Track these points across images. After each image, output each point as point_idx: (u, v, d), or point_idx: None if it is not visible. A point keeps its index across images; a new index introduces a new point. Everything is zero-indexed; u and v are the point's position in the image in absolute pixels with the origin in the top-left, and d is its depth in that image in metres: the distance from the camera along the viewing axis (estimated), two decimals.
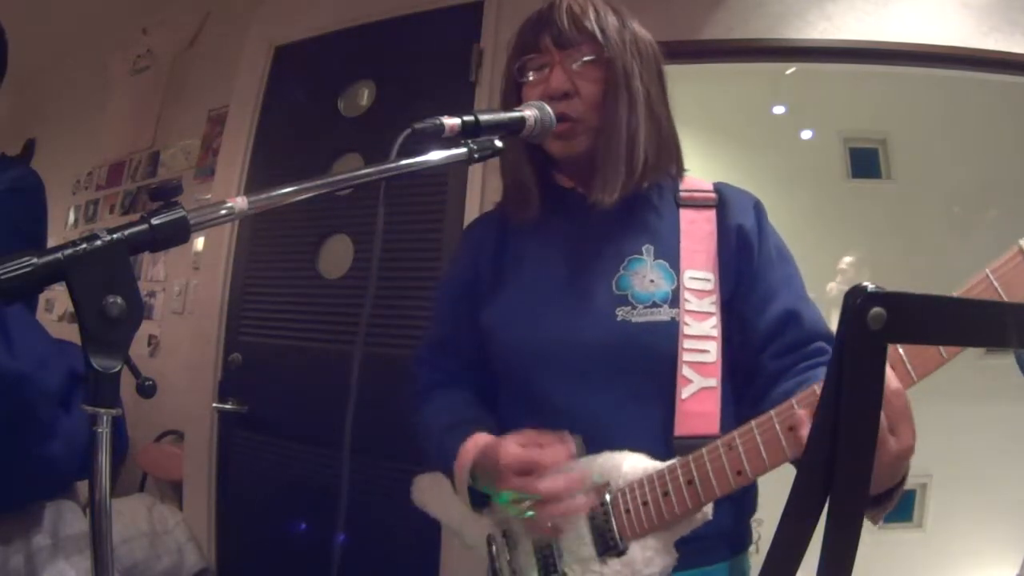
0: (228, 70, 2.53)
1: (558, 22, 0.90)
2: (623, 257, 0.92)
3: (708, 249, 0.92)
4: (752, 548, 0.97)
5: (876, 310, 0.37)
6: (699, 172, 1.03)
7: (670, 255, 0.92)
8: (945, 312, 0.40)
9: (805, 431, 0.68)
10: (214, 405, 2.21)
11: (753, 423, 0.74)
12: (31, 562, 0.95)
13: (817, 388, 0.70)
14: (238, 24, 2.58)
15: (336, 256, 2.15)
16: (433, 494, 1.00)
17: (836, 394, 0.38)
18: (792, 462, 0.73)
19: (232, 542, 2.24)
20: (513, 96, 0.95)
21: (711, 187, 0.98)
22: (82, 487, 1.02)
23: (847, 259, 2.70)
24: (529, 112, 0.83)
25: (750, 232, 0.93)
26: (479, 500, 0.89)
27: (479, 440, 0.87)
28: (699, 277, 0.90)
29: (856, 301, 0.37)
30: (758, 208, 0.96)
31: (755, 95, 2.77)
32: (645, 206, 0.96)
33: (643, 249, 0.92)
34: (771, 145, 2.87)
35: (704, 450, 0.78)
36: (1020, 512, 2.40)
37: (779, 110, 2.93)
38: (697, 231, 0.93)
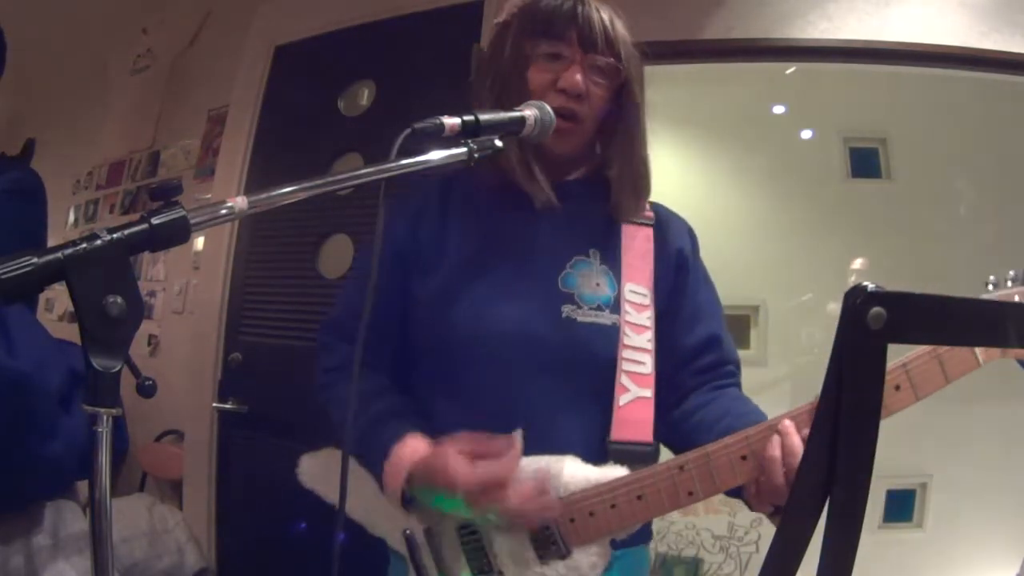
0: (228, 70, 2.53)
1: (590, 24, 0.89)
2: (570, 255, 0.93)
3: (645, 266, 0.96)
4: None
5: (876, 310, 0.37)
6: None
7: (613, 264, 0.94)
8: (945, 312, 0.40)
9: (775, 467, 0.75)
10: (214, 405, 2.21)
11: (709, 448, 0.79)
12: (31, 562, 0.95)
13: (775, 426, 0.76)
14: (238, 24, 2.57)
15: (336, 256, 2.15)
16: (328, 479, 0.95)
17: (836, 394, 0.38)
18: (731, 493, 0.81)
19: (232, 542, 2.24)
20: (518, 68, 0.92)
21: (648, 207, 1.01)
22: (82, 487, 1.02)
23: (859, 261, 2.70)
24: (529, 112, 0.83)
25: (688, 256, 0.98)
26: (409, 502, 0.86)
27: (416, 447, 0.83)
28: (638, 291, 0.93)
29: (856, 301, 0.37)
30: (692, 236, 1.03)
31: (755, 95, 2.77)
32: (593, 212, 0.97)
33: (589, 252, 0.94)
34: (771, 145, 2.86)
35: (655, 469, 0.81)
36: (1020, 512, 2.40)
37: (779, 110, 2.92)
38: (637, 247, 0.97)
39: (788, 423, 0.75)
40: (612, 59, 0.91)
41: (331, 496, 0.93)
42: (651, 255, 0.96)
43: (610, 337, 0.90)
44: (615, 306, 0.91)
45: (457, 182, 1.00)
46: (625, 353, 0.89)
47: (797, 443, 0.74)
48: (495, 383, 0.89)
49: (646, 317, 0.92)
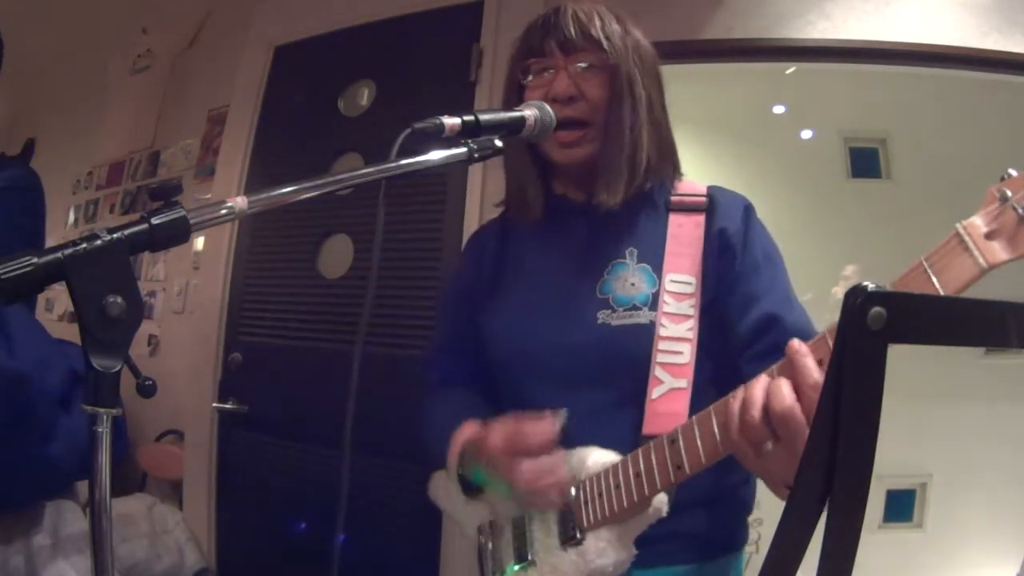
0: (228, 70, 2.53)
1: (564, 28, 0.91)
2: (608, 261, 0.94)
3: (694, 253, 0.93)
4: (752, 548, 0.98)
5: (876, 310, 0.37)
6: (699, 172, 1.04)
7: (653, 259, 0.93)
8: (945, 311, 0.40)
9: (731, 420, 0.67)
10: (214, 405, 2.21)
11: (695, 418, 0.74)
12: (31, 562, 0.95)
13: (752, 382, 0.67)
14: (238, 24, 2.57)
15: (336, 256, 2.15)
16: (442, 490, 1.02)
17: (836, 394, 0.38)
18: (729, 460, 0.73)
19: (232, 542, 2.24)
20: (515, 97, 0.96)
21: (704, 191, 0.99)
22: (82, 487, 1.02)
23: (850, 267, 2.70)
24: (529, 112, 0.84)
25: (733, 235, 0.93)
26: (470, 488, 0.91)
27: (467, 429, 0.89)
28: (680, 280, 0.91)
29: (856, 301, 0.37)
30: (747, 211, 0.96)
31: (755, 95, 2.77)
32: (635, 210, 0.97)
33: (626, 253, 0.94)
34: (771, 145, 2.87)
35: (652, 443, 0.79)
36: (1020, 512, 2.40)
37: (779, 110, 2.93)
38: (684, 235, 0.94)
39: (763, 376, 0.66)
40: (594, 51, 0.91)
41: (448, 511, 1.03)
42: (700, 241, 0.93)
43: (645, 335, 0.89)
44: (653, 302, 0.90)
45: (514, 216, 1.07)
46: (661, 345, 0.88)
47: (755, 394, 0.64)
48: (541, 396, 0.91)
49: (688, 306, 0.90)
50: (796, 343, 0.63)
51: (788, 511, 0.40)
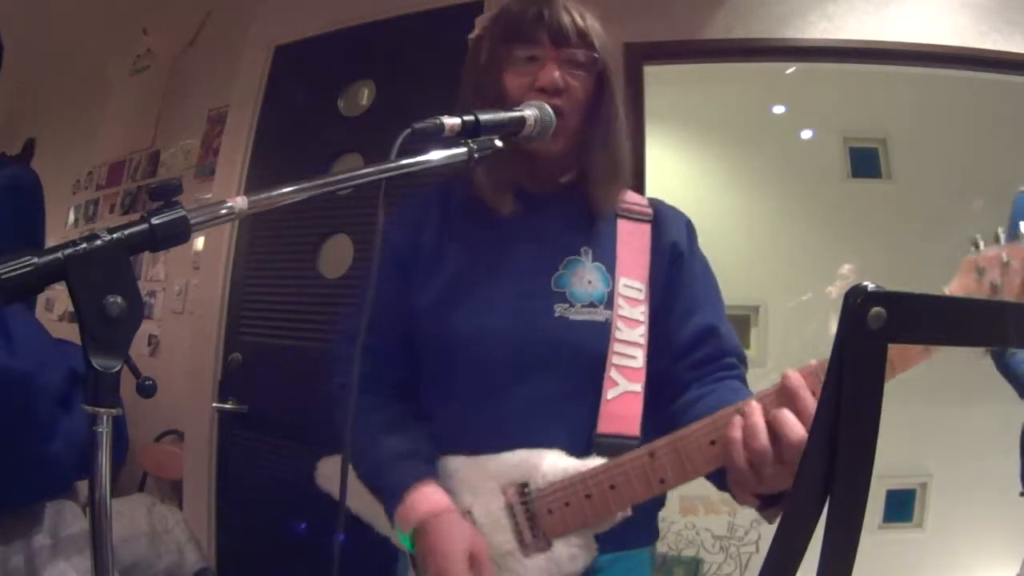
0: (228, 70, 2.53)
1: (559, 21, 0.91)
2: (562, 256, 0.94)
3: (642, 261, 0.96)
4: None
5: (876, 310, 0.37)
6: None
7: (607, 260, 0.94)
8: (945, 312, 0.40)
9: (735, 448, 0.72)
10: (214, 405, 2.21)
11: (676, 435, 0.78)
12: (31, 562, 0.95)
13: (741, 407, 0.74)
14: (238, 24, 2.57)
15: (336, 256, 2.15)
16: (335, 480, 0.99)
17: (836, 394, 0.38)
18: (708, 475, 0.79)
19: (232, 542, 2.24)
20: (493, 75, 0.93)
21: (647, 202, 1.02)
22: (82, 487, 1.02)
23: (847, 267, 2.70)
24: (529, 112, 0.84)
25: (683, 249, 0.97)
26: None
27: (429, 497, 0.85)
28: (632, 286, 0.93)
29: (856, 301, 0.37)
30: (690, 228, 1.02)
31: (755, 95, 2.77)
32: (587, 211, 0.97)
33: (581, 250, 0.95)
34: (771, 145, 2.87)
35: (627, 457, 0.80)
36: (1020, 512, 2.40)
37: (779, 110, 2.92)
38: (633, 242, 0.97)
39: (754, 403, 0.73)
40: (586, 50, 0.92)
41: (351, 504, 0.97)
42: (647, 250, 0.96)
43: (602, 333, 0.90)
44: (608, 302, 0.92)
45: (455, 189, 1.02)
46: (616, 347, 0.90)
47: (759, 423, 0.71)
48: (489, 385, 0.90)
49: (640, 312, 0.92)
50: (795, 376, 0.71)
51: (788, 511, 0.40)
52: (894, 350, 0.65)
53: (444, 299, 0.94)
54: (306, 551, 1.94)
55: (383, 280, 0.91)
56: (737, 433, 0.72)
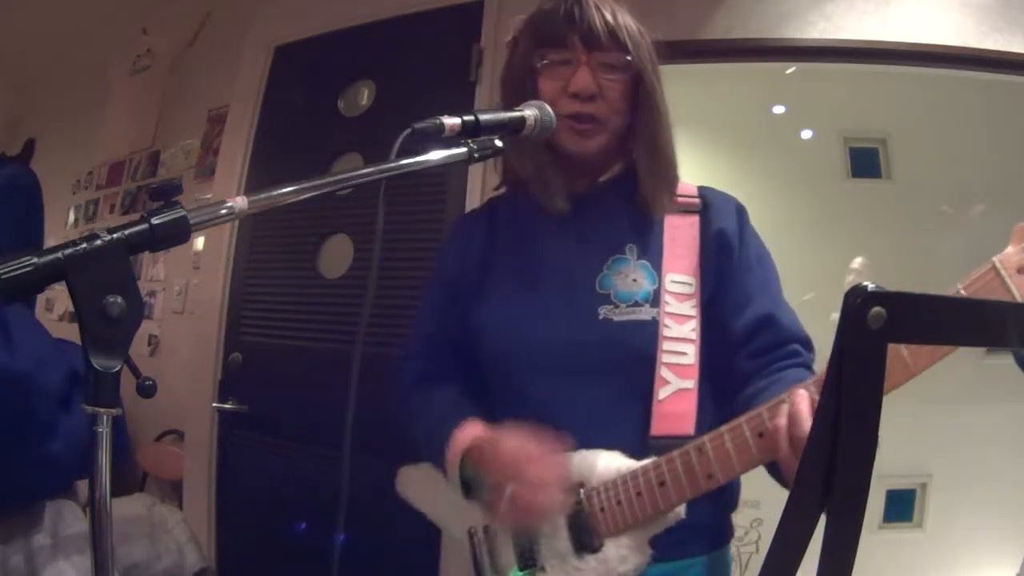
0: (228, 70, 2.53)
1: (590, 23, 0.89)
2: (607, 256, 0.93)
3: (691, 254, 0.94)
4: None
5: (876, 310, 0.37)
6: (699, 172, 1.03)
7: (653, 257, 0.93)
8: (945, 312, 0.40)
9: (780, 435, 0.72)
10: (214, 405, 2.21)
11: (724, 428, 0.77)
12: (31, 562, 0.95)
13: (787, 396, 0.73)
14: (238, 24, 2.57)
15: (336, 256, 2.15)
16: (419, 486, 1.01)
17: (836, 394, 0.38)
18: (766, 467, 0.77)
19: (232, 542, 2.24)
20: (528, 82, 0.94)
21: (696, 192, 1.00)
22: (82, 487, 1.02)
23: (858, 260, 2.70)
24: (529, 112, 0.84)
25: (731, 236, 0.95)
26: (469, 489, 0.90)
27: (472, 429, 0.88)
28: (680, 281, 0.92)
29: (856, 301, 0.37)
30: (740, 212, 0.98)
31: (755, 95, 2.77)
32: (631, 208, 0.97)
33: (627, 249, 0.94)
34: (771, 145, 2.87)
35: (676, 453, 0.79)
36: (1020, 512, 2.40)
37: (779, 110, 2.92)
38: (680, 236, 0.95)
39: (801, 391, 0.72)
40: (619, 52, 0.90)
41: (425, 509, 1.01)
42: (696, 242, 0.94)
43: (648, 332, 0.89)
44: (655, 299, 0.90)
45: (501, 206, 1.05)
46: (665, 345, 0.88)
47: (803, 410, 0.70)
48: (540, 391, 0.91)
49: (689, 306, 0.91)
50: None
51: (788, 511, 0.40)
52: (912, 350, 0.65)
53: (494, 314, 0.96)
54: (306, 551, 1.94)
55: (439, 299, 1.04)
56: (782, 420, 0.71)
